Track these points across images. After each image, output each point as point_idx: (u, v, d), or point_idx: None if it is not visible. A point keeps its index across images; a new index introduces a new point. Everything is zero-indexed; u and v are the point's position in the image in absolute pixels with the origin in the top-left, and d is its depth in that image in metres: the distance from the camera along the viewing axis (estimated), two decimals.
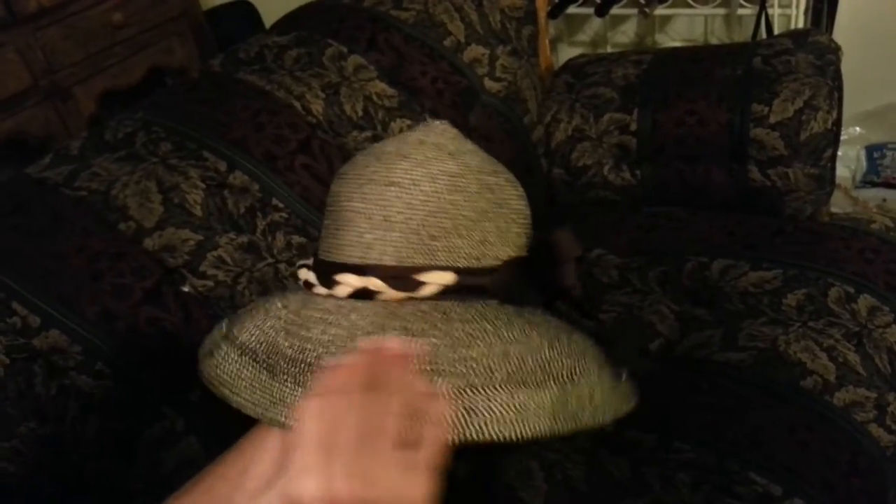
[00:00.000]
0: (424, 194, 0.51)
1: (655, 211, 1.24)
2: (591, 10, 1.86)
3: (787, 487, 0.81)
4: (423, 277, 0.50)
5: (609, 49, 2.21)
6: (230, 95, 0.99)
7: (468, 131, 1.14)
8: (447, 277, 0.50)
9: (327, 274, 0.53)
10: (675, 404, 0.91)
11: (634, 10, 1.82)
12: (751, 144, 1.14)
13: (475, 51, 1.19)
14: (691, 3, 1.77)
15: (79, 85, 1.68)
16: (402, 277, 0.50)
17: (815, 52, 1.17)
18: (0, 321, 0.75)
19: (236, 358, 0.50)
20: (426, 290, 0.50)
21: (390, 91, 1.08)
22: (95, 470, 0.77)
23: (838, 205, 1.66)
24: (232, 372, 0.50)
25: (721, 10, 1.81)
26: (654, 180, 1.24)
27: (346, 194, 0.54)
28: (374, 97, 1.06)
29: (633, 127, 1.22)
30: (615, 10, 1.83)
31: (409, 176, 0.52)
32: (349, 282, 0.51)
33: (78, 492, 0.76)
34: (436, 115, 1.11)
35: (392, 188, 0.51)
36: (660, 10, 1.80)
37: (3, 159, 1.70)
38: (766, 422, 0.88)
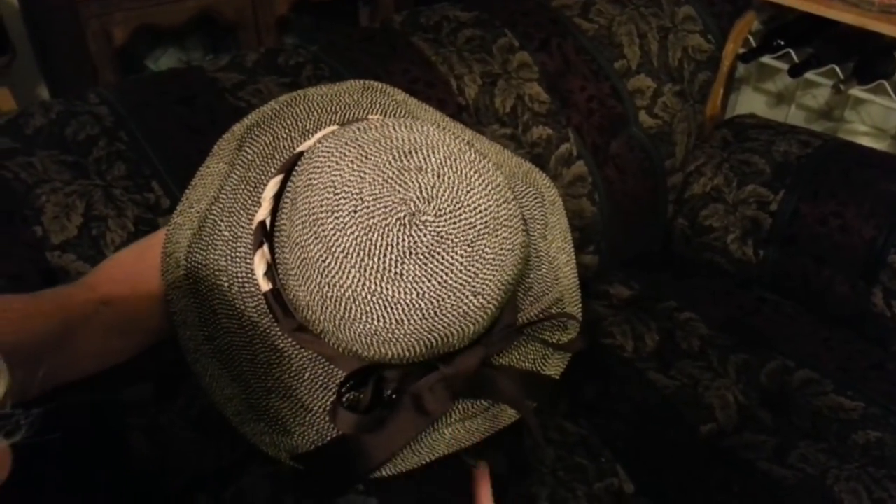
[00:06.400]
0: None
1: (765, 296, 1.20)
2: (785, 66, 1.77)
3: None
4: None
5: (793, 109, 2.10)
6: (397, 56, 1.04)
7: (605, 157, 1.15)
8: None
9: None
10: (702, 496, 0.91)
11: (829, 82, 1.71)
12: (885, 269, 1.08)
13: (642, 81, 1.18)
14: (892, 94, 1.65)
15: None
16: None
17: None
18: (138, 193, 0.85)
19: None
20: None
21: (544, 96, 1.10)
22: None
23: None
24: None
25: None
26: (776, 266, 1.19)
27: None
28: (527, 98, 1.08)
29: (773, 207, 1.18)
30: (810, 75, 1.73)
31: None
32: None
33: None
34: (578, 132, 1.12)
35: None
36: (856, 90, 1.69)
37: (191, 31, 1.85)
38: None
